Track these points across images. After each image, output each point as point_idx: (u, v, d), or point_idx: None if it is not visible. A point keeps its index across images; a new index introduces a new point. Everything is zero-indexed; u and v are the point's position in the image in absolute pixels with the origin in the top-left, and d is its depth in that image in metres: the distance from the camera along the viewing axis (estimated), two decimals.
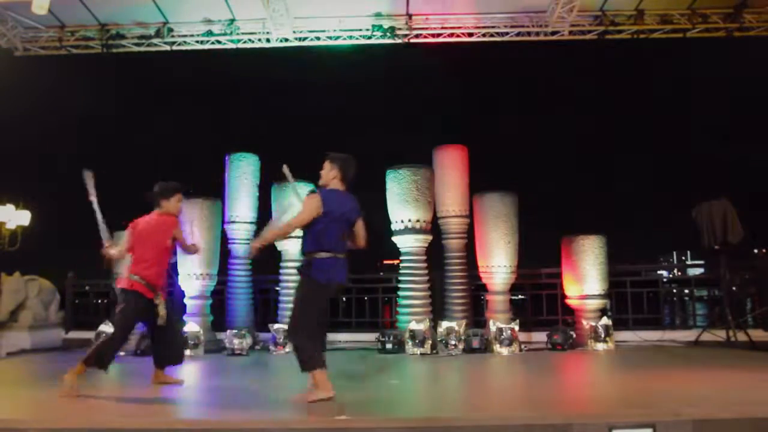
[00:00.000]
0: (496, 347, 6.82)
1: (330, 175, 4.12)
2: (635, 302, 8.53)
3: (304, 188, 4.62)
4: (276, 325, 7.42)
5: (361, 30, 9.79)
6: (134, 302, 4.48)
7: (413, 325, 6.91)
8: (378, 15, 9.60)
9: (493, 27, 9.73)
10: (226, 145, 8.42)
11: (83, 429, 3.24)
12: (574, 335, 7.22)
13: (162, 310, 4.51)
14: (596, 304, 7.37)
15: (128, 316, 4.52)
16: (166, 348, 4.76)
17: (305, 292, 3.96)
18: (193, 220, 7.48)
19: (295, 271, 8.00)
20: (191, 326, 7.17)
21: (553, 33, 9.66)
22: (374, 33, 9.66)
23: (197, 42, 10.01)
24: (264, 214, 8.32)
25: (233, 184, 8.22)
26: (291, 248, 8.06)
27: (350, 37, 9.89)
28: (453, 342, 6.73)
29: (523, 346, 7.09)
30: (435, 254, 7.96)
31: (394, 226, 7.64)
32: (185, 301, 7.60)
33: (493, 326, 6.94)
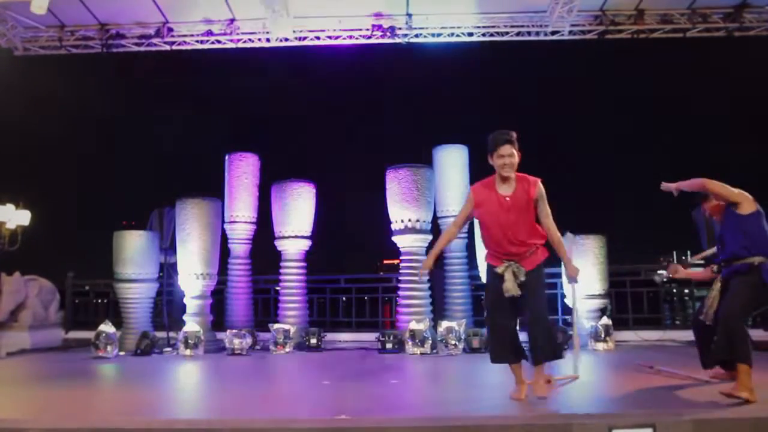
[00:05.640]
0: None
1: None
2: (635, 302, 8.53)
3: None
4: (276, 325, 7.41)
5: (361, 30, 9.79)
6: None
7: (413, 325, 6.91)
8: (378, 15, 9.61)
9: (493, 27, 9.73)
10: (226, 145, 8.41)
11: (83, 429, 3.24)
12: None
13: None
14: (596, 304, 7.37)
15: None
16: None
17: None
18: (193, 220, 7.49)
19: (294, 270, 8.06)
20: (191, 326, 7.16)
21: (553, 33, 9.66)
22: (374, 33, 9.66)
23: (197, 42, 10.01)
24: (264, 214, 8.33)
25: (233, 184, 8.23)
26: (291, 248, 8.06)
27: (350, 37, 9.89)
28: (453, 342, 6.73)
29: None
30: None
31: (394, 226, 7.64)
32: (185, 300, 7.60)
33: None
